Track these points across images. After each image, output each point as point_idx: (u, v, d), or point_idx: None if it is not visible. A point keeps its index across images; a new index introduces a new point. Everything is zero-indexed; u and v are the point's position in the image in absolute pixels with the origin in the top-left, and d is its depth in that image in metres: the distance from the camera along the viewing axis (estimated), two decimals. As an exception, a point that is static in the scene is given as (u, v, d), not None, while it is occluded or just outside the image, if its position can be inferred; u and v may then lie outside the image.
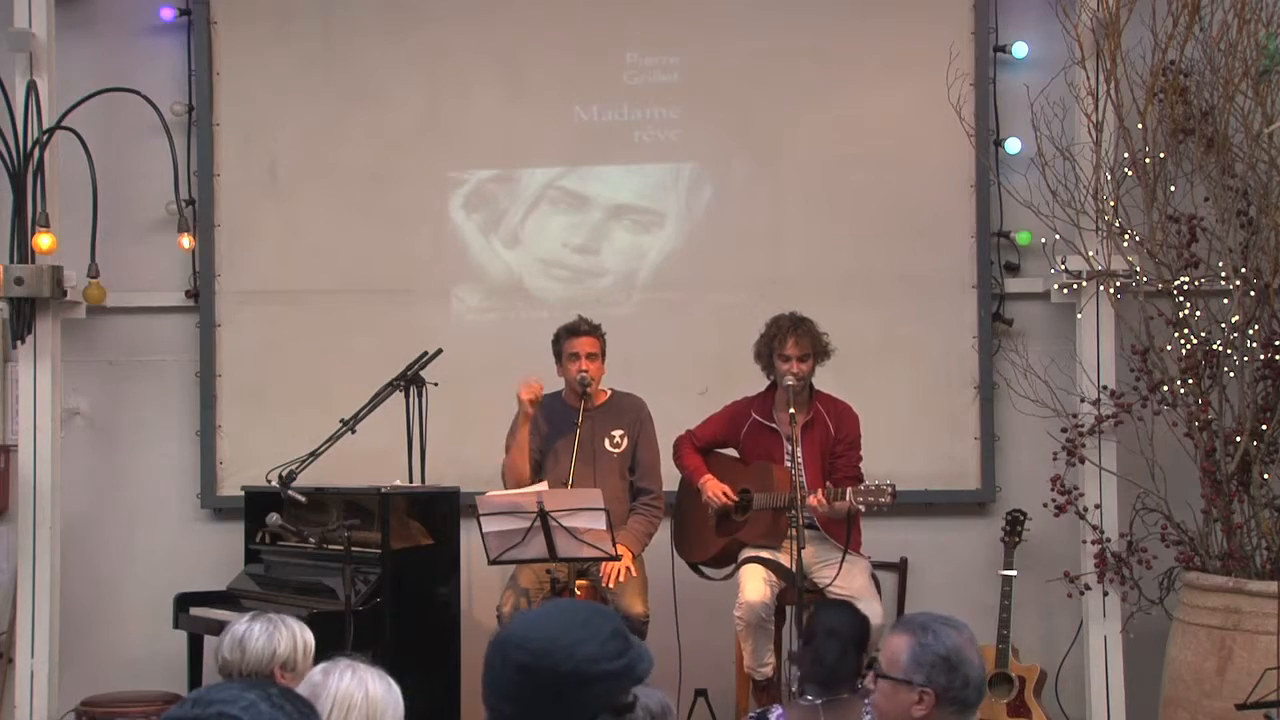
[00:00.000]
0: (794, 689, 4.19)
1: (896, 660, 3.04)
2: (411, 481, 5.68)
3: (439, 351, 5.71)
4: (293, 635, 3.52)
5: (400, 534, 5.40)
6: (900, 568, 6.34)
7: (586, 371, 5.55)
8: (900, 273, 6.41)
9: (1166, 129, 5.83)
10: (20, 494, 6.06)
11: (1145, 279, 5.84)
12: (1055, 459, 6.03)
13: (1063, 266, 6.04)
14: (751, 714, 4.31)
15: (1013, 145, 6.33)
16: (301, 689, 2.73)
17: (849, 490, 5.25)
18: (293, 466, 5.32)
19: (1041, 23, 6.24)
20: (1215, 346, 5.68)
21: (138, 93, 6.01)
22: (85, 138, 5.91)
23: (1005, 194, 6.29)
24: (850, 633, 4.20)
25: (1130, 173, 5.87)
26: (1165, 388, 5.74)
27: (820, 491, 5.31)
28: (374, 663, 2.92)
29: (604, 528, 4.99)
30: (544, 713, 2.25)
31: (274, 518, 5.23)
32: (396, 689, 2.86)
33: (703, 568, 5.77)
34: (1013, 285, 6.41)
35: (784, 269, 6.47)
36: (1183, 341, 5.70)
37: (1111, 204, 5.86)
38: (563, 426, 5.62)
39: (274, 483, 5.32)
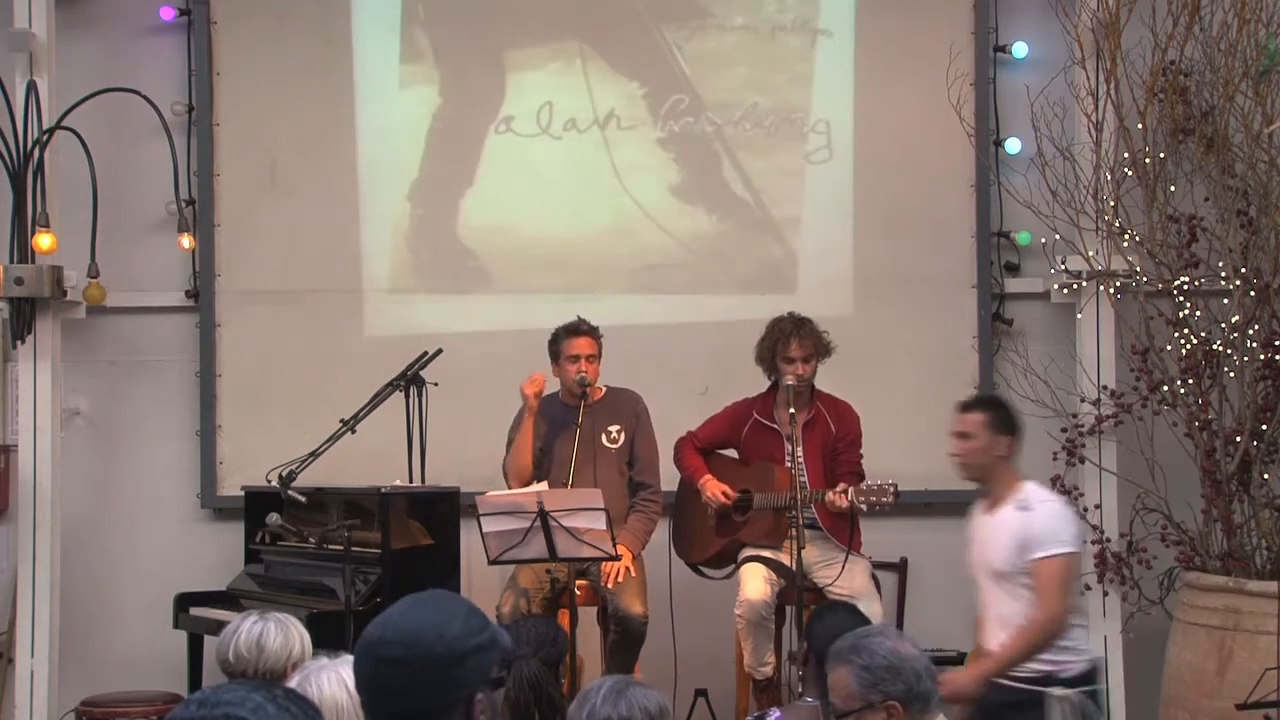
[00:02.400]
0: (800, 690, 4.18)
1: (848, 693, 3.04)
2: (411, 481, 5.68)
3: (439, 351, 5.71)
4: (300, 635, 3.54)
5: (400, 534, 5.40)
6: (900, 568, 6.34)
7: (585, 373, 5.55)
8: (900, 273, 6.41)
9: (1166, 129, 5.84)
10: (20, 494, 6.06)
11: (1145, 279, 5.84)
12: (1055, 459, 6.03)
13: (1063, 266, 6.04)
14: (751, 717, 4.30)
15: (1013, 145, 6.33)
16: None
17: (850, 490, 5.25)
18: (293, 466, 5.32)
19: (1041, 23, 6.24)
20: (1215, 346, 5.68)
21: (138, 93, 6.00)
22: (85, 138, 5.91)
23: (1005, 194, 6.29)
24: None
25: (1130, 173, 5.87)
26: (1165, 388, 5.74)
27: (835, 492, 5.29)
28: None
29: (604, 528, 4.99)
30: (428, 700, 2.33)
31: (274, 518, 5.24)
32: None
33: (702, 567, 5.78)
34: (1013, 285, 6.42)
35: (784, 269, 6.47)
36: (1183, 341, 5.71)
37: (1111, 204, 5.86)
38: (561, 426, 5.62)
39: (274, 483, 5.32)
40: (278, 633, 3.48)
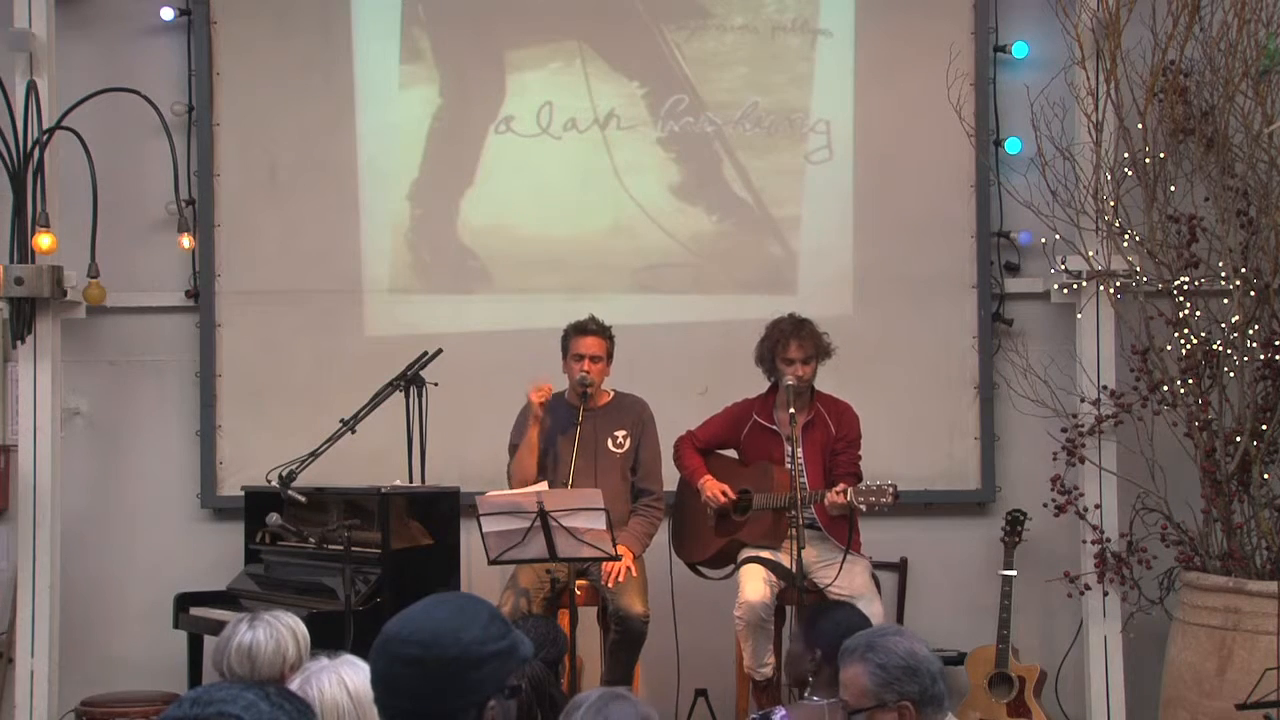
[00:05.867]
0: (807, 692, 4.18)
1: (862, 690, 3.02)
2: (411, 481, 5.68)
3: (439, 351, 5.71)
4: (293, 633, 3.50)
5: (400, 534, 5.39)
6: (900, 568, 6.34)
7: (588, 373, 5.55)
8: (900, 273, 6.42)
9: (1166, 129, 5.84)
10: (20, 494, 6.06)
11: (1145, 279, 5.85)
12: (1055, 459, 6.03)
13: (1063, 266, 6.04)
14: (753, 715, 4.30)
15: (1013, 145, 6.33)
16: None
17: (850, 490, 5.25)
18: (293, 466, 5.31)
19: (1041, 23, 6.24)
20: (1215, 346, 5.68)
21: (138, 93, 6.00)
22: (85, 138, 5.90)
23: (1005, 194, 6.29)
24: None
25: (1130, 173, 5.87)
26: (1165, 388, 5.74)
27: (834, 492, 5.28)
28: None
29: (604, 528, 4.99)
30: (439, 702, 2.34)
31: (274, 518, 5.23)
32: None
33: (701, 568, 5.78)
34: (1013, 285, 6.42)
35: (784, 269, 6.48)
36: (1183, 341, 5.71)
37: (1111, 204, 5.86)
38: (564, 425, 5.62)
39: (274, 483, 5.31)
40: (268, 641, 3.43)
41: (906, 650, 3.02)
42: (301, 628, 3.54)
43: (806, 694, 4.17)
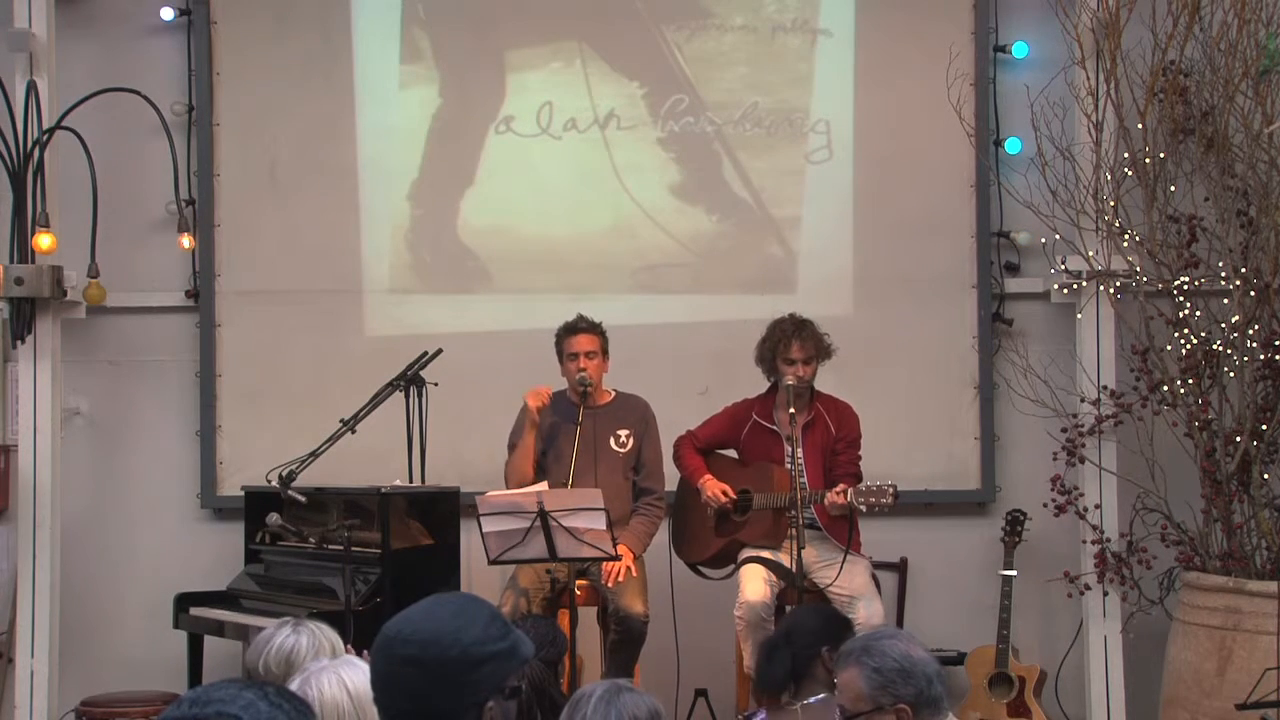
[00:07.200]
0: (784, 697, 4.20)
1: (858, 694, 3.01)
2: (411, 481, 5.68)
3: (439, 351, 5.72)
4: (332, 647, 3.49)
5: (400, 534, 5.40)
6: (900, 568, 6.34)
7: (585, 371, 5.55)
8: (900, 273, 6.42)
9: (1166, 129, 5.84)
10: (20, 494, 6.06)
11: (1145, 279, 5.85)
12: (1055, 459, 6.03)
13: (1063, 266, 6.04)
14: (741, 716, 4.32)
15: (1013, 145, 6.33)
16: None
17: (850, 490, 5.25)
18: (293, 466, 5.32)
19: (1041, 23, 6.24)
20: (1215, 346, 5.68)
21: (138, 93, 6.00)
22: (85, 138, 5.90)
23: (1005, 194, 6.29)
24: (806, 634, 4.21)
25: (1130, 173, 5.87)
26: (1165, 388, 5.74)
27: (835, 492, 5.28)
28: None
29: (603, 528, 4.99)
30: (438, 702, 2.35)
31: (274, 518, 5.24)
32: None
33: (702, 568, 5.78)
34: (1013, 285, 6.42)
35: (784, 269, 6.48)
36: (1183, 341, 5.71)
37: (1111, 204, 5.86)
38: (565, 424, 5.62)
39: (274, 483, 5.32)
40: (310, 649, 3.44)
41: (901, 653, 3.01)
42: (340, 645, 3.53)
43: (785, 700, 4.18)
